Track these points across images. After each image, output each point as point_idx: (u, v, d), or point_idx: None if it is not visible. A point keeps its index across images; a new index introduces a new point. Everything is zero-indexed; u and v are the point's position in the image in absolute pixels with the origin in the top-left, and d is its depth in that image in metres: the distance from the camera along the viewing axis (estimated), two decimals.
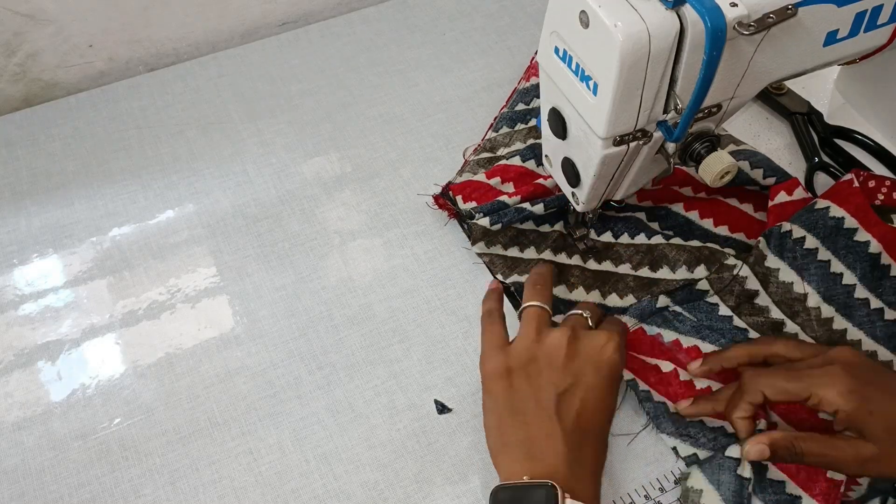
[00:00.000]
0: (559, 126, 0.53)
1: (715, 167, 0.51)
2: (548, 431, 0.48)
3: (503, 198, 0.63)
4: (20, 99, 0.78)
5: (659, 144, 0.52)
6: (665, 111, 0.49)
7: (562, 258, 0.64)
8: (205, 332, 0.61)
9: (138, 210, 0.68)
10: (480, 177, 0.66)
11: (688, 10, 0.44)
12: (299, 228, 0.67)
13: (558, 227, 0.65)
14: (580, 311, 0.55)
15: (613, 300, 0.62)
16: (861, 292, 0.58)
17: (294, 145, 0.73)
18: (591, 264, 0.63)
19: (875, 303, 0.58)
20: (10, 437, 0.56)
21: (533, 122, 0.72)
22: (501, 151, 0.71)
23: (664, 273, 0.62)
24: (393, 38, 0.82)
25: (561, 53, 0.49)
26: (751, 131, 0.73)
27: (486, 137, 0.72)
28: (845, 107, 0.74)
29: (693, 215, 0.66)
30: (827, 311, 0.58)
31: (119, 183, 0.70)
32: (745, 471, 0.50)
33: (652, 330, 0.59)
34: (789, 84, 0.75)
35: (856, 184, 0.61)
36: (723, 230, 0.65)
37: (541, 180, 0.65)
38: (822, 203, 0.60)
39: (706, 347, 0.57)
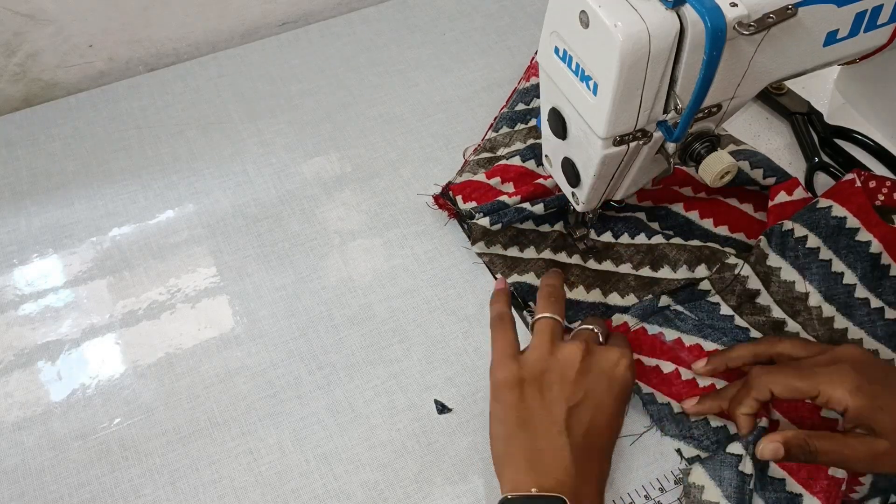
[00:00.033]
0: (559, 126, 0.53)
1: (715, 167, 0.51)
2: (556, 445, 0.48)
3: (503, 198, 0.63)
4: (20, 99, 0.78)
5: (659, 144, 0.52)
6: (665, 111, 0.49)
7: (562, 258, 0.64)
8: (205, 332, 0.61)
9: (138, 210, 0.68)
10: (480, 177, 0.66)
11: (688, 10, 0.44)
12: (299, 228, 0.67)
13: (558, 227, 0.65)
14: (590, 327, 0.54)
15: (614, 299, 0.62)
16: (861, 292, 0.58)
17: (294, 145, 0.73)
18: (592, 264, 0.63)
19: (875, 302, 0.58)
20: (10, 437, 0.56)
21: (533, 122, 0.72)
22: (501, 151, 0.71)
23: (665, 272, 0.62)
24: (393, 38, 0.82)
25: (561, 53, 0.49)
26: (751, 131, 0.73)
27: (486, 137, 0.72)
28: (845, 107, 0.74)
29: (693, 215, 0.66)
30: (828, 310, 0.58)
31: (119, 183, 0.70)
32: (747, 467, 0.50)
33: (653, 329, 0.59)
34: (789, 84, 0.75)
35: (857, 184, 0.61)
36: (723, 230, 0.65)
37: (541, 180, 0.65)
38: (824, 202, 0.60)
39: (708, 346, 0.57)
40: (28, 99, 0.78)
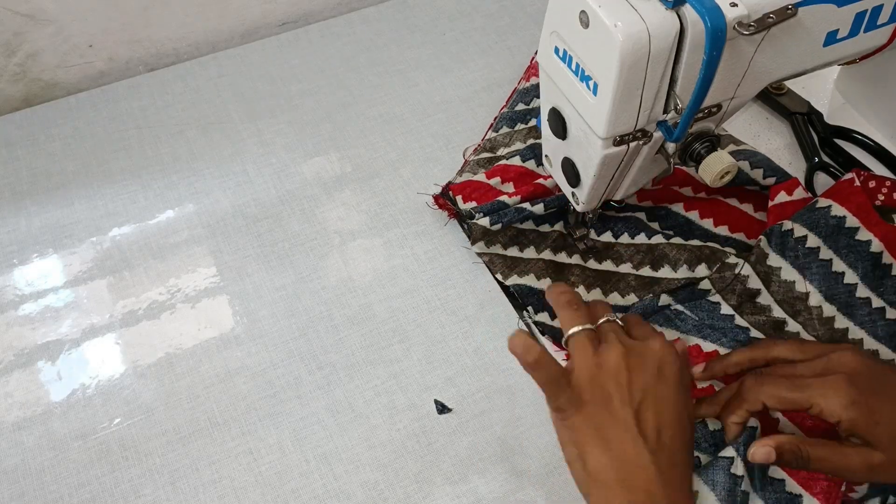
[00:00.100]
0: (559, 126, 0.53)
1: (715, 167, 0.51)
2: (635, 453, 0.46)
3: (503, 198, 0.63)
4: (20, 99, 0.78)
5: (659, 144, 0.52)
6: (665, 111, 0.49)
7: (562, 258, 0.64)
8: (205, 332, 0.61)
9: (138, 210, 0.68)
10: (480, 177, 0.66)
11: (688, 10, 0.44)
12: (299, 228, 0.67)
13: (558, 227, 0.65)
14: (608, 318, 0.52)
15: (615, 299, 0.62)
16: (863, 291, 0.58)
17: (294, 145, 0.73)
18: (592, 264, 0.64)
19: (877, 302, 0.58)
20: (10, 437, 0.56)
21: (533, 122, 0.72)
22: (501, 151, 0.71)
23: (666, 272, 0.62)
24: (393, 38, 0.82)
25: (561, 53, 0.49)
26: (751, 131, 0.73)
27: (486, 137, 0.72)
28: (845, 107, 0.74)
29: (693, 215, 0.66)
30: (829, 310, 0.58)
31: (119, 183, 0.70)
32: (738, 469, 0.50)
33: None
34: (789, 84, 0.74)
35: (857, 183, 0.61)
36: (723, 230, 0.65)
37: (541, 180, 0.65)
38: (823, 202, 0.60)
39: (707, 347, 0.57)
40: (28, 99, 0.78)
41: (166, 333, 0.61)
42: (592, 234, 0.64)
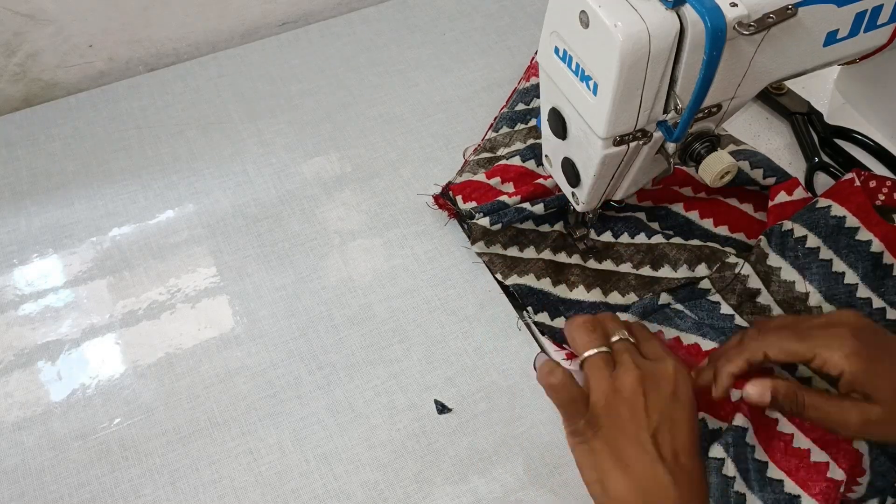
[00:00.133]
0: (559, 126, 0.53)
1: (715, 167, 0.51)
2: (654, 476, 0.46)
3: (503, 198, 0.63)
4: (20, 99, 0.78)
5: (659, 144, 0.52)
6: (665, 111, 0.49)
7: (562, 258, 0.64)
8: (205, 332, 0.61)
9: (138, 210, 0.68)
10: (480, 177, 0.66)
11: (688, 10, 0.44)
12: (299, 228, 0.67)
13: (558, 227, 0.65)
14: (621, 337, 0.51)
15: (615, 298, 0.62)
16: (863, 292, 0.58)
17: (294, 145, 0.73)
18: (592, 264, 0.64)
19: (877, 302, 0.58)
20: (10, 437, 0.56)
21: (533, 122, 0.72)
22: (501, 151, 0.71)
23: (666, 272, 0.62)
24: (393, 38, 0.82)
25: (561, 53, 0.49)
26: (751, 131, 0.73)
27: (486, 137, 0.72)
28: (845, 107, 0.74)
29: (693, 215, 0.66)
30: (828, 310, 0.58)
31: (119, 183, 0.70)
32: (730, 470, 0.50)
33: (653, 327, 0.59)
34: (789, 84, 0.75)
35: (857, 183, 0.61)
36: (723, 230, 0.65)
37: (541, 180, 0.65)
38: (823, 202, 0.60)
39: (707, 345, 0.57)
40: (28, 99, 0.78)
41: (166, 333, 0.61)
42: (592, 234, 0.64)
